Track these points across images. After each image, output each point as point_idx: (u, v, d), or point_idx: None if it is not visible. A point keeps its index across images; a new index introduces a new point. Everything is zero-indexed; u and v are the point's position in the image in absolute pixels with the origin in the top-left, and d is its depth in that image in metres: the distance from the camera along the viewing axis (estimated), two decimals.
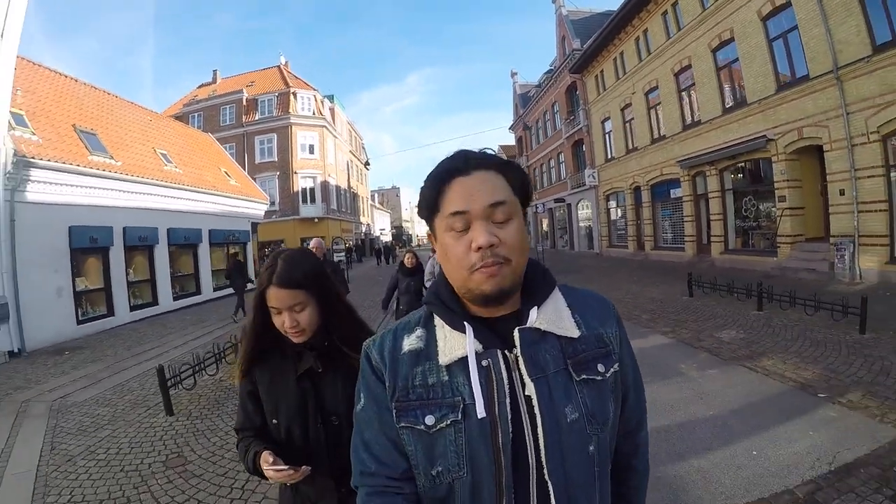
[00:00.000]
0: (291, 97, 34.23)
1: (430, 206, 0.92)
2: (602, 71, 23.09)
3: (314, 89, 36.30)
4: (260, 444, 1.42)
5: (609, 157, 23.49)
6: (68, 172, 11.10)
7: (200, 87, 40.52)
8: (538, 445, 0.84)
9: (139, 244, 13.50)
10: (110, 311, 12.34)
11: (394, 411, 0.91)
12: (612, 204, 23.97)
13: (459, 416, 0.86)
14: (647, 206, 20.17)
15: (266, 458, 1.33)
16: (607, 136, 23.55)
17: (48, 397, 6.48)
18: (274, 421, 1.46)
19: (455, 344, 0.90)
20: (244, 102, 34.66)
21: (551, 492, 0.83)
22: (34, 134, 10.91)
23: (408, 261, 6.69)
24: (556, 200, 30.78)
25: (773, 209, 13.31)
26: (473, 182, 0.87)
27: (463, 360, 0.88)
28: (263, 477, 1.37)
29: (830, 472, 3.13)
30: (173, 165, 15.87)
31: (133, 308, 13.06)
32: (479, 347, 0.88)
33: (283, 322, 1.42)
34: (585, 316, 0.96)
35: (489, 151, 0.96)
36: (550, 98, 31.24)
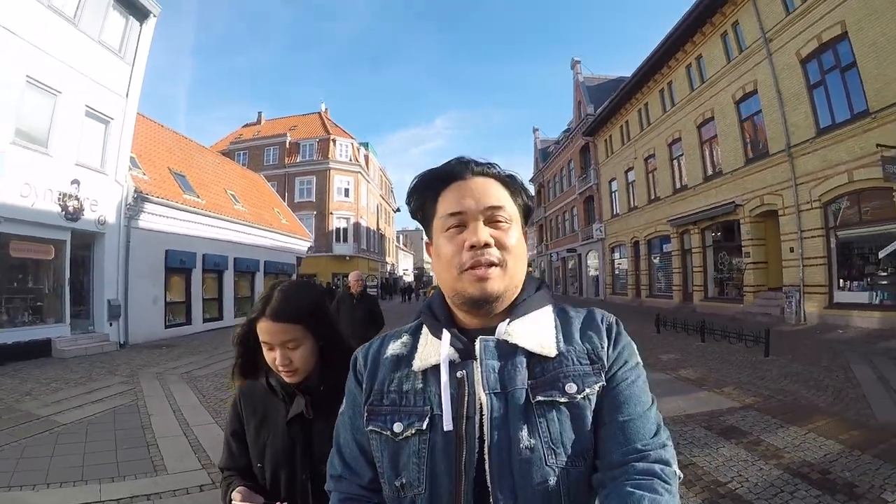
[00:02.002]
0: (331, 143, 37.82)
1: (426, 209, 0.91)
2: (611, 136, 26.00)
3: (351, 137, 40.09)
4: (241, 482, 1.31)
5: (614, 213, 26.12)
6: (169, 207, 14.17)
7: (245, 126, 44.90)
8: (492, 470, 0.76)
9: (213, 269, 16.50)
10: (188, 321, 15.19)
11: (365, 414, 0.88)
12: (616, 255, 26.44)
13: (425, 426, 0.81)
14: (644, 258, 22.62)
15: (235, 496, 1.24)
16: (613, 194, 26.25)
17: (175, 372, 8.97)
18: (259, 465, 1.33)
19: (431, 351, 0.86)
20: (287, 145, 38.46)
21: None
22: (144, 174, 14.00)
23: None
24: (569, 250, 33.35)
25: (742, 263, 15.66)
26: (473, 185, 0.86)
27: (438, 369, 0.84)
28: None
29: (675, 417, 5.35)
30: (240, 205, 19.09)
31: (205, 321, 15.84)
32: (456, 357, 0.83)
33: (274, 359, 1.29)
34: (571, 333, 0.87)
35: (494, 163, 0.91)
36: (566, 156, 34.22)
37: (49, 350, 10.53)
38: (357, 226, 38.32)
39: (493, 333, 0.84)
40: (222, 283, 17.10)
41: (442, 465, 0.79)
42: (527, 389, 0.80)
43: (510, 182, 0.90)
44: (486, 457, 0.77)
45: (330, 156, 37.33)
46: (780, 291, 13.88)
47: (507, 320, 0.85)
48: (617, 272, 26.62)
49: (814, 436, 4.54)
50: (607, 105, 24.60)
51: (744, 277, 15.33)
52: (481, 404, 0.79)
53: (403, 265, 71.32)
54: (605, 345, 0.86)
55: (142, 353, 11.42)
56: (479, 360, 0.82)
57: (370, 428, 0.87)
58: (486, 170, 0.89)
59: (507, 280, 0.84)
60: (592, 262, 30.33)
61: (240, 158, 36.74)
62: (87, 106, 11.76)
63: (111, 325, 12.28)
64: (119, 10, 12.71)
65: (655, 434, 0.81)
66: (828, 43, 12.04)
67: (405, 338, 0.94)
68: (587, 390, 0.81)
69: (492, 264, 0.81)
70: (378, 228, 46.90)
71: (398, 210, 53.90)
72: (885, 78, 10.53)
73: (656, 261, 22.06)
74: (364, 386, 0.92)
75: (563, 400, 0.80)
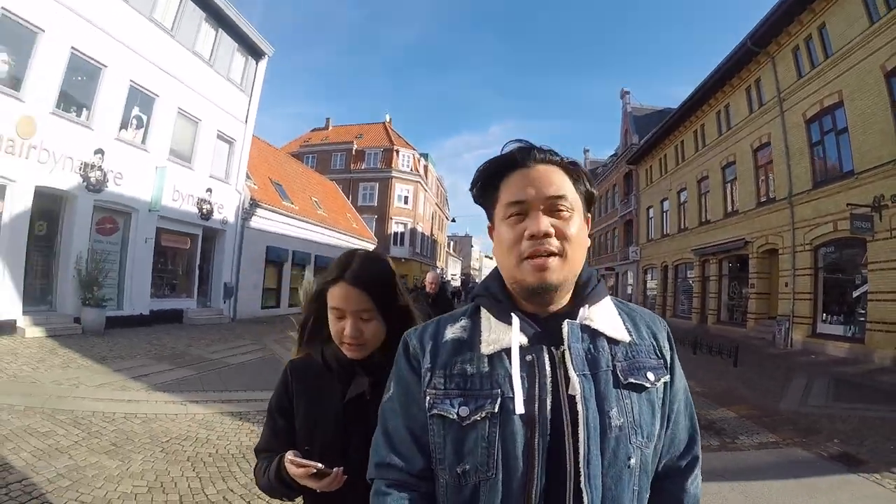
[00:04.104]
0: (394, 154, 41.28)
1: (488, 195, 0.93)
2: (651, 166, 28.19)
3: (413, 148, 43.57)
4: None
5: (649, 237, 28.29)
6: (273, 212, 17.85)
7: (314, 130, 49.21)
8: (577, 450, 0.78)
9: (299, 263, 20.12)
10: (278, 304, 18.79)
11: (427, 398, 0.88)
12: (649, 277, 28.60)
13: (497, 409, 0.81)
14: (671, 281, 24.80)
15: (289, 458, 1.13)
16: (650, 220, 28.43)
17: (288, 340, 12.10)
18: (307, 447, 1.21)
19: (499, 335, 0.87)
20: (353, 152, 42.15)
21: (585, 502, 0.77)
22: (254, 184, 17.63)
23: None
24: (608, 269, 35.51)
25: (748, 293, 17.79)
26: (535, 174, 0.88)
27: (506, 353, 0.85)
28: (285, 491, 1.21)
29: None
30: (322, 210, 22.75)
31: (289, 306, 19.36)
32: (525, 341, 0.85)
33: (342, 329, 1.23)
34: (637, 325, 0.94)
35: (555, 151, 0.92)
36: (612, 180, 36.42)
37: (181, 318, 14.06)
38: (413, 231, 41.81)
39: (566, 318, 0.87)
40: (304, 275, 20.69)
41: (515, 449, 0.79)
42: (614, 371, 0.84)
43: (572, 169, 0.91)
44: (570, 437, 0.78)
45: (393, 165, 40.82)
46: (775, 320, 16.01)
47: (587, 305, 0.89)
48: (648, 292, 28.77)
49: (725, 409, 7.04)
50: (649, 138, 26.79)
51: (748, 305, 17.50)
52: (562, 386, 0.81)
53: (452, 270, 74.51)
54: (666, 346, 0.95)
55: (249, 325, 14.84)
56: (566, 343, 0.83)
57: (434, 412, 0.86)
58: (549, 157, 0.90)
59: (567, 270, 0.85)
60: (629, 281, 32.47)
61: (308, 161, 40.21)
62: (218, 130, 15.45)
63: (225, 302, 15.90)
64: (242, 52, 16.42)
65: (694, 436, 0.98)
66: (828, 108, 13.96)
67: (463, 321, 0.94)
68: (660, 382, 0.89)
69: (551, 254, 0.83)
70: (432, 234, 50.18)
71: (454, 220, 56.88)
72: (869, 144, 12.43)
73: (680, 284, 24.24)
74: (422, 370, 0.90)
75: (647, 385, 0.86)
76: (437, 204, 53.03)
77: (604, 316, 0.90)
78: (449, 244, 75.20)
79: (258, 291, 17.48)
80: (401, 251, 40.09)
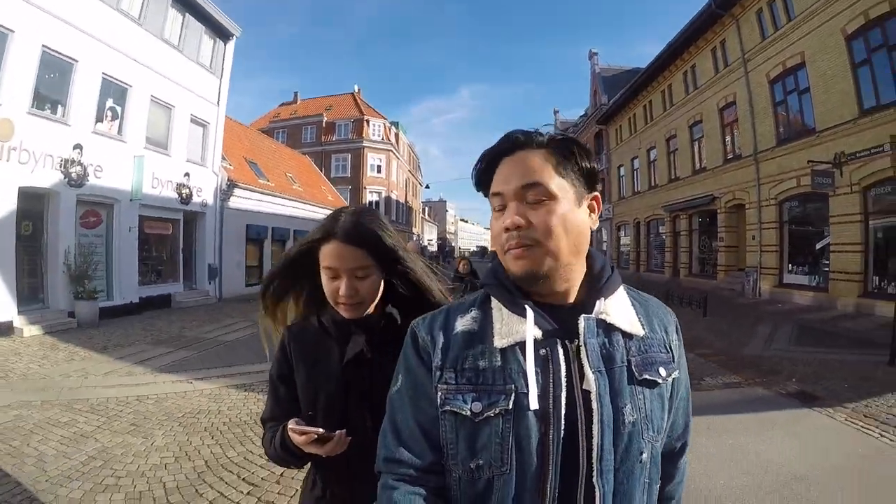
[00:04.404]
0: (364, 124, 40.91)
1: (484, 186, 0.93)
2: (620, 126, 28.67)
3: (383, 117, 43.13)
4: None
5: (621, 195, 29.05)
6: (249, 191, 17.77)
7: (282, 105, 48.06)
8: (591, 446, 0.78)
9: (278, 239, 20.11)
10: (261, 281, 18.83)
11: (439, 393, 0.86)
12: (622, 233, 29.47)
13: (510, 405, 0.80)
14: (644, 237, 25.67)
15: (292, 426, 1.12)
16: (621, 178, 29.13)
17: None
18: (310, 413, 1.21)
19: (513, 327, 0.85)
20: (323, 125, 41.64)
21: (598, 497, 0.78)
22: (230, 164, 17.49)
23: (461, 267, 7.53)
24: None
25: (717, 246, 18.63)
26: (513, 162, 0.87)
27: (519, 346, 0.83)
28: (293, 460, 1.21)
29: None
30: (298, 185, 22.63)
31: None
32: (539, 334, 0.83)
33: (336, 289, 1.20)
34: (650, 317, 0.93)
35: (547, 128, 0.91)
36: (583, 140, 36.71)
37: (170, 302, 14.14)
38: (388, 199, 41.77)
39: (579, 312, 0.85)
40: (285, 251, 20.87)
41: (530, 445, 0.79)
42: (629, 367, 0.84)
43: (560, 149, 0.87)
44: (584, 433, 0.79)
45: (364, 135, 40.46)
46: (744, 271, 16.90)
47: (601, 299, 0.87)
48: (622, 248, 29.68)
49: (691, 354, 7.46)
50: (618, 98, 27.16)
51: (717, 258, 18.35)
52: (576, 381, 0.81)
53: (428, 235, 74.78)
54: (675, 339, 0.95)
55: (235, 304, 14.97)
56: (582, 339, 0.82)
57: (447, 408, 0.84)
58: (534, 139, 0.88)
59: (550, 259, 0.83)
60: (605, 238, 33.35)
61: (279, 136, 39.56)
62: (191, 114, 15.19)
63: (210, 283, 15.98)
64: (209, 35, 15.99)
65: (689, 420, 1.03)
66: (790, 69, 14.50)
67: (473, 312, 0.92)
68: (670, 377, 0.90)
69: (523, 245, 0.82)
70: (406, 201, 50.19)
71: (427, 187, 56.93)
72: (829, 104, 12.97)
73: (653, 240, 25.14)
74: (433, 363, 0.88)
75: (658, 380, 0.87)
76: (409, 171, 52.81)
77: (619, 309, 0.89)
78: (424, 210, 75.22)
79: (241, 270, 17.57)
80: None
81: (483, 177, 0.93)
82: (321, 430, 1.09)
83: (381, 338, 1.24)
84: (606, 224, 31.20)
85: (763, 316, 12.21)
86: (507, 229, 0.84)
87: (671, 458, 0.99)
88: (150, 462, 3.92)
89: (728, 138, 18.05)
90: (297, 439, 1.10)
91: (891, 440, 4.30)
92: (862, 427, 4.62)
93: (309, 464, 1.29)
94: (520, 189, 0.84)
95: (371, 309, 1.27)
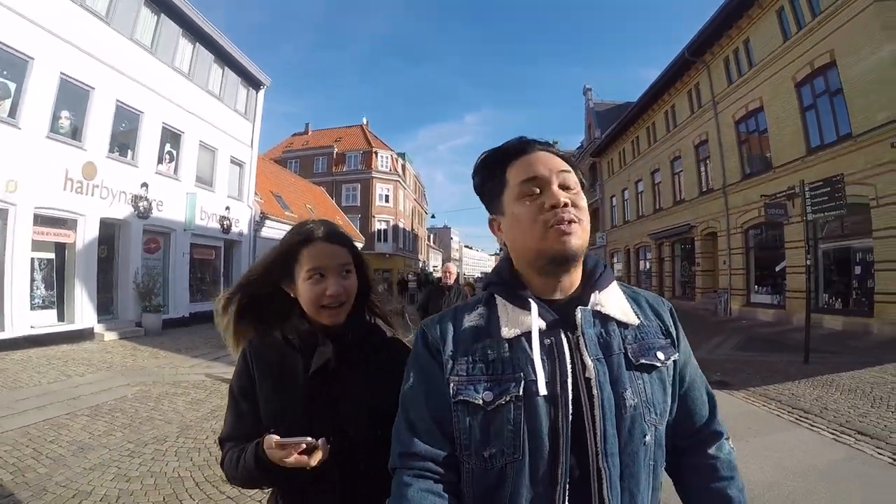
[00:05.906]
0: (373, 155, 43.23)
1: (494, 183, 0.96)
2: (612, 159, 30.89)
3: (391, 149, 45.59)
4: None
5: (613, 224, 31.16)
6: (277, 222, 19.93)
7: (294, 135, 50.78)
8: (596, 429, 0.82)
9: None
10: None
11: (451, 385, 0.89)
12: (615, 260, 31.41)
13: (521, 391, 0.84)
14: (634, 263, 27.65)
15: (270, 441, 1.03)
16: (613, 208, 31.26)
17: None
18: (271, 431, 1.08)
19: (518, 319, 0.90)
20: (334, 156, 43.97)
21: (605, 479, 0.81)
22: (260, 198, 19.72)
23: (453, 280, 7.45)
24: None
25: (695, 270, 20.57)
26: (541, 156, 0.93)
27: (525, 337, 0.88)
28: (266, 478, 1.13)
29: None
30: (315, 215, 24.69)
31: None
32: (543, 325, 0.88)
33: (323, 290, 1.19)
34: (643, 307, 0.99)
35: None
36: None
37: (212, 318, 15.96)
38: (395, 227, 43.99)
39: (577, 305, 0.91)
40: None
41: (541, 430, 0.82)
42: (625, 354, 0.89)
43: (569, 160, 0.96)
44: (590, 417, 0.82)
45: (372, 166, 42.77)
46: (717, 293, 18.78)
47: (596, 292, 0.93)
48: (617, 275, 31.41)
49: None
50: (609, 133, 29.38)
51: (695, 281, 20.30)
52: (579, 369, 0.85)
53: (433, 262, 76.57)
54: (671, 323, 1.00)
55: None
56: (580, 329, 0.88)
57: (459, 398, 0.88)
58: (548, 147, 0.97)
59: (585, 237, 0.89)
60: None
61: (292, 166, 41.92)
62: (231, 156, 17.47)
63: None
64: (244, 85, 18.40)
65: (713, 410, 1.02)
66: (752, 111, 16.42)
67: (480, 309, 0.97)
68: (669, 360, 0.94)
69: (572, 221, 0.87)
70: (412, 229, 52.39)
71: (433, 216, 58.95)
72: (783, 143, 14.83)
73: (642, 266, 27.14)
74: (444, 357, 0.92)
75: (657, 364, 0.91)
76: (415, 199, 55.16)
77: (613, 301, 0.95)
78: (429, 237, 77.23)
79: None
80: (385, 247, 42.32)
81: (493, 172, 0.98)
82: (309, 438, 1.03)
83: (354, 349, 1.22)
84: (600, 252, 33.09)
85: (724, 330, 13.84)
86: (554, 206, 0.88)
87: (699, 448, 1.00)
88: None
89: (702, 172, 20.09)
90: (279, 454, 1.02)
91: (770, 409, 5.89)
92: (753, 402, 6.21)
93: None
94: (560, 172, 0.92)
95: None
